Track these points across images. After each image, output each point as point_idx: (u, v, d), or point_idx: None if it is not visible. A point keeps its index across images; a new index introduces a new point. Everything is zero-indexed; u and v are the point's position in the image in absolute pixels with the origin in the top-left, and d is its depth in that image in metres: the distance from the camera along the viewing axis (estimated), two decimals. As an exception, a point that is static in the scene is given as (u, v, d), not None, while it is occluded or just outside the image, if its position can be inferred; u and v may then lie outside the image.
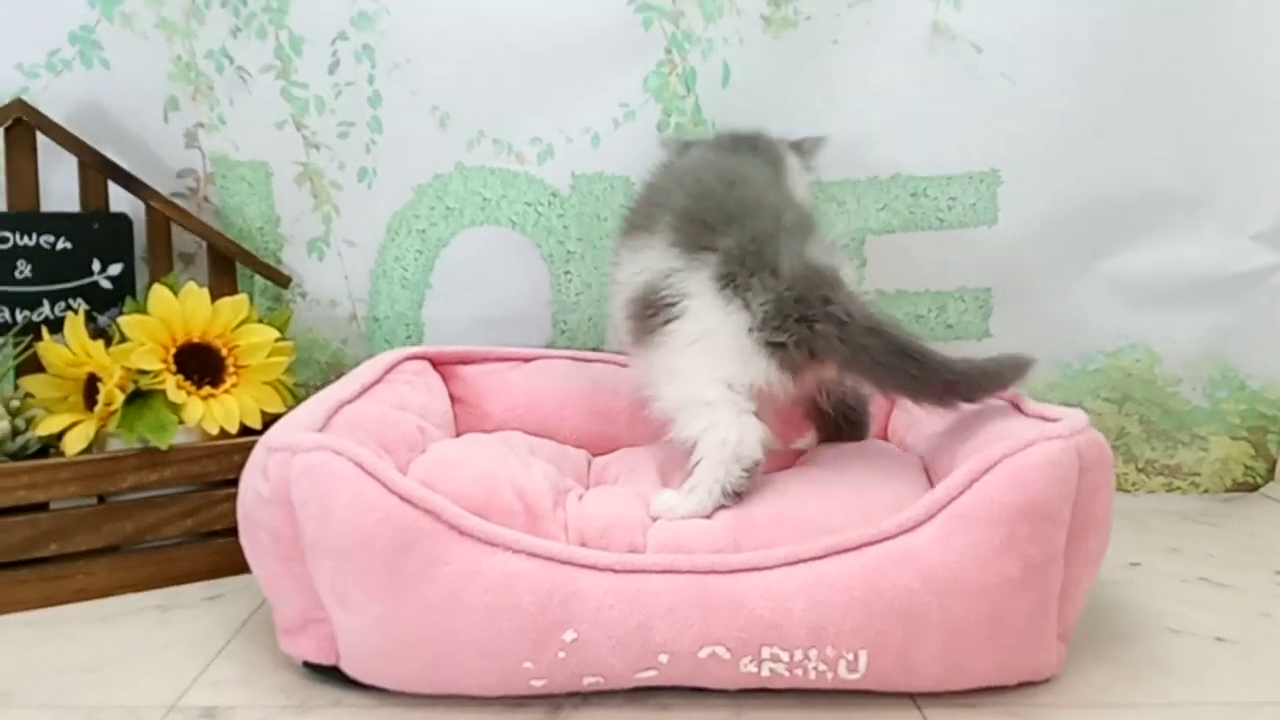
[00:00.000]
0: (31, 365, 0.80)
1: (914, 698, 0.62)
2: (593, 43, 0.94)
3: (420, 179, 0.96)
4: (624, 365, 0.92)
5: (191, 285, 0.81)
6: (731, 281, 0.69)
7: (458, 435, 0.81)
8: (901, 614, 0.59)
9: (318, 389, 0.95)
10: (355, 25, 0.92)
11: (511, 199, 0.96)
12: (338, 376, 0.96)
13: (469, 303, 0.97)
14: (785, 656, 0.59)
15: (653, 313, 0.70)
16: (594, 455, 0.84)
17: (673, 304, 0.70)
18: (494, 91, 0.94)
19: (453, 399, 0.85)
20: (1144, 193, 0.97)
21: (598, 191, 0.96)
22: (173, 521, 0.77)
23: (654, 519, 0.66)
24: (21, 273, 0.83)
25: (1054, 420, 0.65)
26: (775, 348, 0.68)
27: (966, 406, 0.70)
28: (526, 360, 0.90)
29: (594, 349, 0.98)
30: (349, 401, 0.71)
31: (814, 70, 0.95)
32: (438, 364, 0.86)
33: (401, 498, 0.58)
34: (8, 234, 0.82)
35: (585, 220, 0.96)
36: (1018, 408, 0.72)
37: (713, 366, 0.68)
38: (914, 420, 0.82)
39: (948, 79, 0.95)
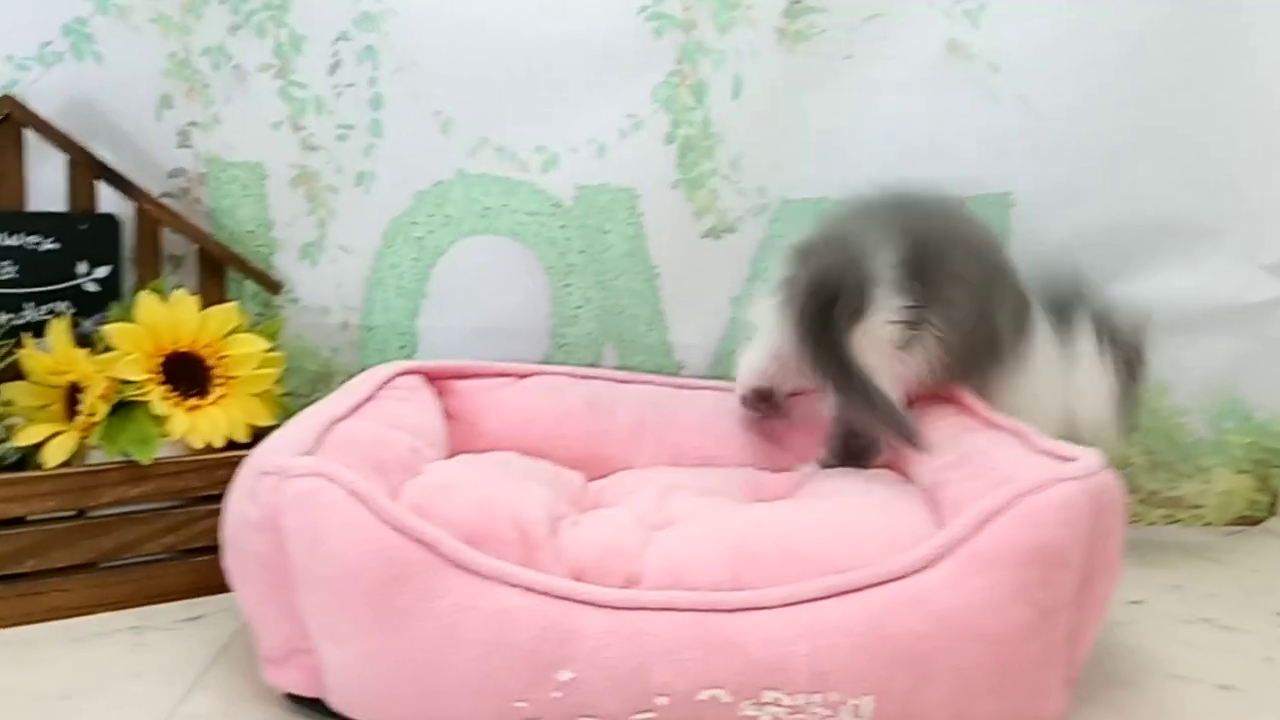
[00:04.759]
0: (14, 371, 0.78)
1: (910, 743, 0.60)
2: (601, 50, 0.92)
3: (420, 185, 0.93)
4: (623, 382, 0.90)
5: (181, 292, 0.79)
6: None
7: (451, 454, 0.79)
8: (909, 659, 0.57)
9: (306, 398, 0.94)
10: (358, 25, 0.90)
11: (513, 208, 0.94)
12: (327, 386, 0.95)
13: (466, 313, 0.95)
14: (787, 701, 0.57)
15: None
16: (591, 478, 0.82)
17: None
18: (498, 98, 0.92)
19: (447, 415, 0.83)
20: (1158, 220, 0.95)
21: (602, 203, 0.94)
22: (153, 538, 0.75)
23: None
24: (6, 274, 0.80)
25: (1069, 459, 0.63)
26: None
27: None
28: (523, 376, 0.87)
29: (591, 365, 0.96)
30: (341, 419, 0.68)
31: (827, 86, 0.93)
32: (433, 378, 0.84)
33: (396, 528, 0.56)
34: (-8, 233, 0.80)
35: (588, 232, 0.94)
36: (1026, 440, 0.70)
37: None
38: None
39: (962, 98, 0.93)
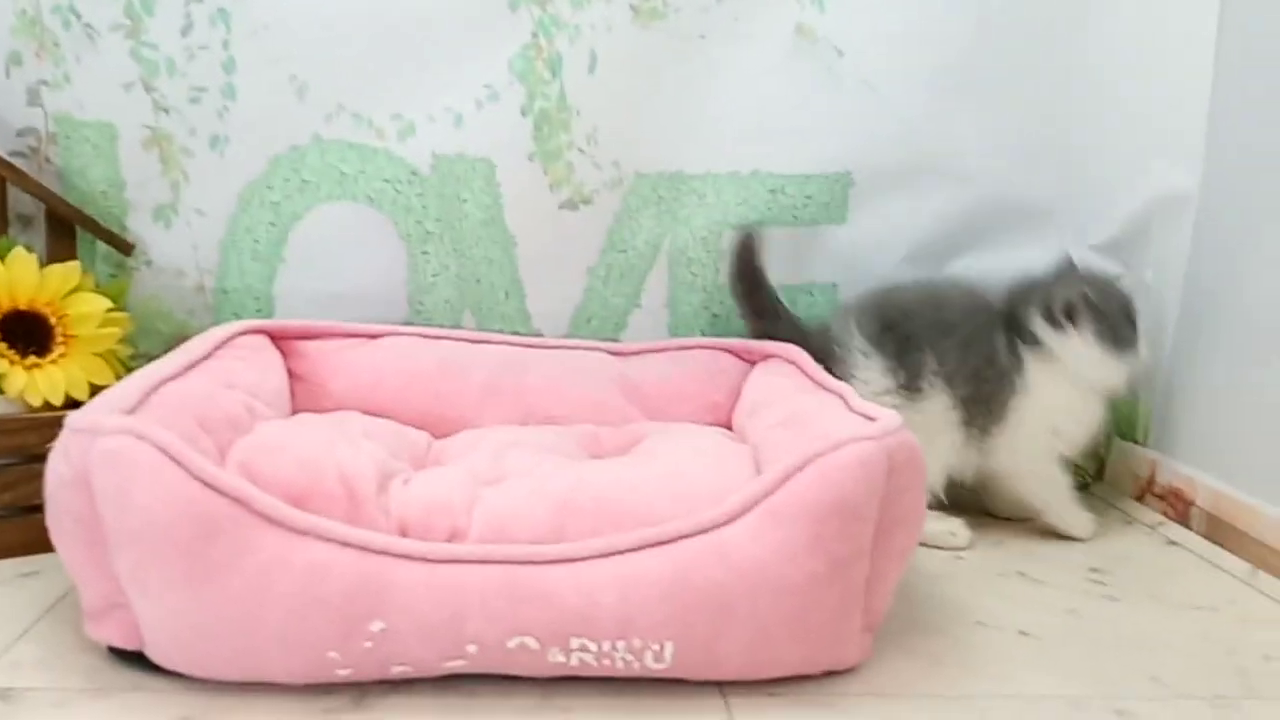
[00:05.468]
0: None
1: (719, 685, 0.64)
2: (458, 21, 0.93)
3: (276, 150, 0.93)
4: (477, 342, 0.92)
5: (19, 250, 0.78)
6: None
7: (294, 414, 0.80)
8: (711, 608, 0.60)
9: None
10: (210, -11, 0.90)
11: (370, 175, 0.95)
12: (182, 349, 0.95)
13: (322, 278, 0.96)
14: (593, 647, 0.60)
15: None
16: (438, 437, 0.84)
17: None
18: (355, 64, 0.93)
19: (293, 376, 0.84)
20: (992, 202, 1.00)
21: (459, 173, 0.95)
22: (-12, 494, 0.75)
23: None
24: None
25: (872, 419, 0.67)
26: None
27: None
28: (373, 337, 0.89)
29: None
30: (171, 378, 0.69)
31: (680, 63, 0.96)
32: (278, 338, 0.85)
33: (207, 485, 0.57)
34: None
35: (445, 201, 0.96)
36: (847, 402, 0.74)
37: None
38: (753, 410, 0.84)
39: (809, 80, 0.97)
